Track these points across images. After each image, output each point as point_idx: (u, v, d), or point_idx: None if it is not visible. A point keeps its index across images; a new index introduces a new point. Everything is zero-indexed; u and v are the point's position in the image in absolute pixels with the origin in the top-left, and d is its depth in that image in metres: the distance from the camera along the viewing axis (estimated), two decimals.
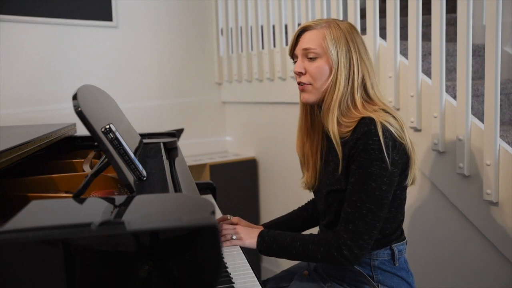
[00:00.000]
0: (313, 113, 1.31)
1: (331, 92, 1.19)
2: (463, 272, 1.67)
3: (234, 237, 1.26)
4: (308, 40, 1.22)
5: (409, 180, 1.22)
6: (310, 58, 1.21)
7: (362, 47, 1.22)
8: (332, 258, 1.16)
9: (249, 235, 1.26)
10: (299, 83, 1.25)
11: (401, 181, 1.20)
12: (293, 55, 1.27)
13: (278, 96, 2.47)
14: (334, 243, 1.15)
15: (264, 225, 1.46)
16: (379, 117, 1.14)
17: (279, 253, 1.23)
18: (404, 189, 1.24)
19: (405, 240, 1.29)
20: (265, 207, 2.76)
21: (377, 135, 1.12)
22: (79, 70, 2.51)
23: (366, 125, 1.13)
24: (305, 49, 1.22)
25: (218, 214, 1.55)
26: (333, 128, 1.18)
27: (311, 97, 1.23)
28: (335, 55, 1.18)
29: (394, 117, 1.17)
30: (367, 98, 1.22)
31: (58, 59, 2.46)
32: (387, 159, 1.11)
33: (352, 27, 1.23)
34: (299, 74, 1.24)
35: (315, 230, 1.40)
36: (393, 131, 1.14)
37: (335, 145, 1.19)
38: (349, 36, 1.20)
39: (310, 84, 1.22)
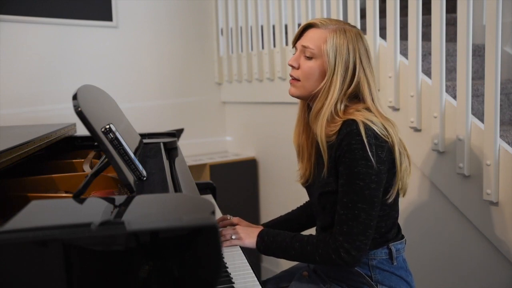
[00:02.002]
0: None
1: (322, 97, 1.19)
2: (463, 272, 1.67)
3: (233, 237, 1.26)
4: (309, 39, 1.22)
5: (392, 192, 1.19)
6: (307, 56, 1.22)
7: (364, 57, 1.20)
8: (330, 260, 1.16)
9: (249, 235, 1.26)
10: (290, 75, 1.26)
11: (389, 178, 1.19)
12: (295, 47, 1.28)
13: (278, 96, 2.47)
14: (331, 245, 1.15)
15: (264, 225, 1.46)
16: (361, 117, 1.14)
17: (278, 253, 1.23)
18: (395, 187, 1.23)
19: (404, 239, 1.29)
20: (265, 207, 2.75)
21: (360, 135, 1.12)
22: (79, 70, 2.51)
23: (349, 126, 1.14)
24: (304, 47, 1.22)
25: (218, 214, 1.55)
26: (321, 132, 1.19)
27: (296, 92, 1.25)
28: (332, 61, 1.18)
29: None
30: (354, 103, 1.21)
31: (58, 59, 2.46)
32: (372, 158, 1.11)
33: (358, 34, 1.21)
34: (292, 67, 1.25)
35: (313, 231, 1.40)
36: (376, 130, 1.14)
37: (321, 150, 1.19)
38: (352, 45, 1.19)
39: (299, 80, 1.23)
